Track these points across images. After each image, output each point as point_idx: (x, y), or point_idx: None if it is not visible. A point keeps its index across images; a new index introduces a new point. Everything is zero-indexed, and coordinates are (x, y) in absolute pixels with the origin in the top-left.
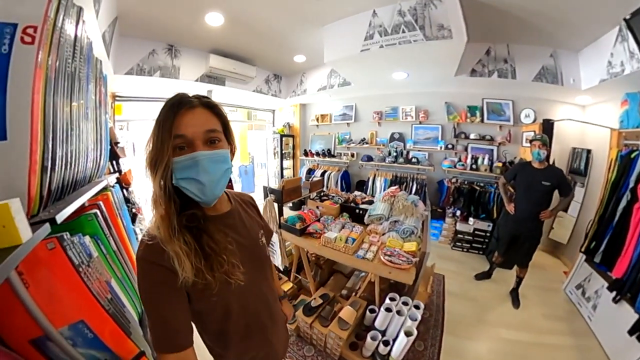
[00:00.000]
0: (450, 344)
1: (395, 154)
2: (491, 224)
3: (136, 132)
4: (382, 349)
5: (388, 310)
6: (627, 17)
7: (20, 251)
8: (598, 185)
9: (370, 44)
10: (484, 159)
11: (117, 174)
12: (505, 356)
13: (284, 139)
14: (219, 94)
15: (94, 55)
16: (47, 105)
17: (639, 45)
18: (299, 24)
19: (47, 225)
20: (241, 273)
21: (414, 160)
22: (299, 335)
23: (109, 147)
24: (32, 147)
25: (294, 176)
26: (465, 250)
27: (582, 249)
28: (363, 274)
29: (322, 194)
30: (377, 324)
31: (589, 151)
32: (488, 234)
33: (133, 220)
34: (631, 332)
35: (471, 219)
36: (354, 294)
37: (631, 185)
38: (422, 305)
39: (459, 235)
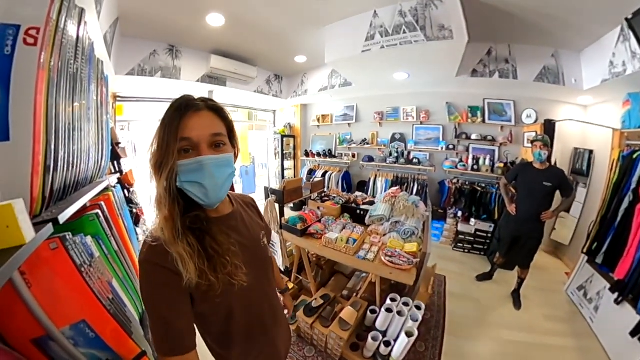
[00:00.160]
0: (452, 345)
1: (396, 154)
2: (492, 225)
3: (137, 132)
4: (383, 350)
5: (389, 310)
6: (629, 16)
7: (23, 251)
8: (600, 186)
9: (371, 44)
10: (485, 159)
11: (118, 175)
12: (506, 357)
13: (285, 139)
14: (220, 95)
15: (96, 56)
16: (49, 106)
17: None
18: (299, 25)
19: (50, 225)
20: (244, 274)
21: (415, 160)
22: (300, 335)
23: (110, 147)
24: (34, 147)
25: (295, 177)
26: (466, 251)
27: (584, 250)
28: (364, 274)
29: (323, 194)
30: (378, 324)
31: (590, 152)
32: (489, 235)
33: (136, 222)
34: (633, 333)
35: (472, 220)
36: (354, 294)
37: (633, 186)
38: (423, 306)
39: (460, 236)
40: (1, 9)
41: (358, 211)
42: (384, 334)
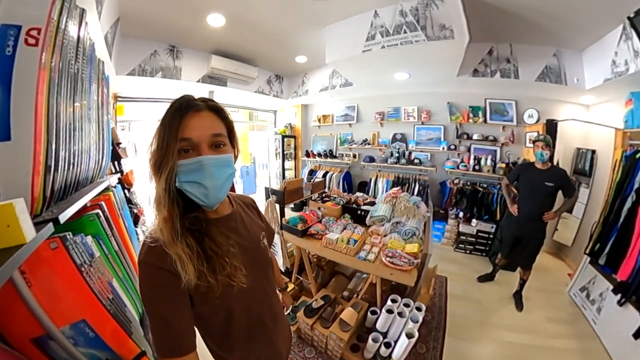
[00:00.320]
0: (453, 347)
1: (397, 154)
2: (494, 226)
3: (138, 132)
4: (384, 351)
5: (389, 312)
6: (631, 15)
7: (24, 250)
8: (603, 186)
9: (372, 44)
10: (486, 159)
11: (119, 175)
12: (508, 359)
13: (285, 139)
14: (220, 95)
15: (97, 56)
16: (50, 106)
17: None
18: (300, 25)
19: (51, 225)
20: (243, 275)
21: (416, 161)
22: (300, 336)
23: (111, 147)
24: (35, 147)
25: (295, 177)
26: (467, 252)
27: (587, 251)
28: (364, 275)
29: (323, 195)
30: (378, 325)
31: (593, 151)
32: (491, 236)
33: (136, 222)
34: (636, 335)
35: (474, 221)
36: (355, 295)
37: (636, 186)
38: (424, 307)
39: (462, 237)
40: (2, 9)
41: (359, 212)
42: (385, 335)
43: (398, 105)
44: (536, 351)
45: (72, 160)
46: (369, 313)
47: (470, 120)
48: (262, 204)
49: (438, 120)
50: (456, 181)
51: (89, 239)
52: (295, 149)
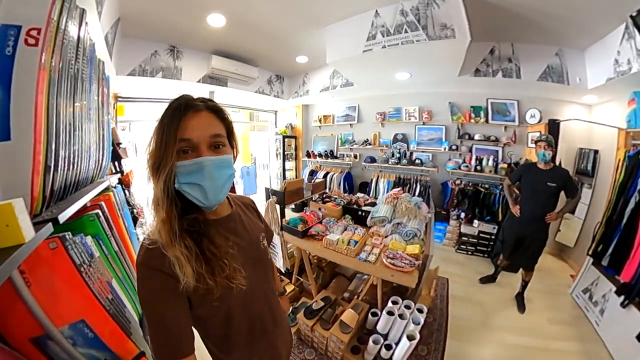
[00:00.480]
0: (454, 349)
1: (398, 155)
2: (496, 227)
3: (138, 132)
4: (384, 353)
5: (390, 313)
6: (633, 14)
7: (23, 250)
8: (605, 186)
9: (373, 44)
10: (488, 160)
11: (119, 175)
12: None
13: (286, 140)
14: (221, 95)
15: (97, 56)
16: (50, 106)
17: None
18: (301, 25)
19: (50, 225)
20: (243, 277)
21: (417, 161)
22: (300, 338)
23: (111, 147)
24: (35, 147)
25: (296, 177)
26: (469, 253)
27: (590, 252)
28: (365, 276)
29: (324, 195)
30: (379, 327)
31: (596, 152)
32: (493, 237)
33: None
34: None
35: (476, 221)
36: (356, 296)
37: (639, 186)
38: (425, 309)
39: (464, 238)
40: (2, 9)
41: (359, 212)
42: (385, 337)
43: (399, 106)
44: (538, 353)
45: (72, 160)
46: (369, 315)
47: (472, 121)
48: (262, 205)
49: (439, 121)
50: (458, 182)
51: (89, 239)
52: (295, 149)
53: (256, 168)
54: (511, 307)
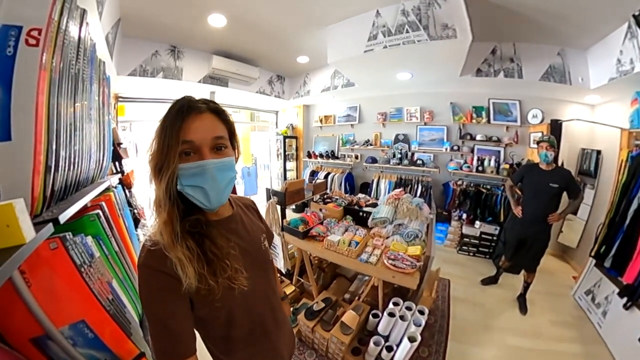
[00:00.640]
0: (455, 351)
1: (399, 155)
2: (498, 228)
3: (139, 133)
4: (385, 355)
5: (391, 315)
6: (636, 13)
7: (23, 250)
8: (608, 187)
9: (374, 44)
10: (490, 160)
11: (119, 175)
12: None
13: (287, 140)
14: (221, 95)
15: (97, 56)
16: (51, 106)
17: None
18: (301, 25)
19: (50, 225)
20: (244, 278)
21: (418, 162)
22: (301, 339)
23: (111, 148)
24: (36, 147)
25: (297, 178)
26: (471, 254)
27: (592, 253)
28: (366, 277)
29: (325, 196)
30: (380, 329)
31: (598, 152)
32: (495, 238)
33: (136, 225)
34: None
35: (477, 222)
36: (356, 298)
37: None
38: (426, 311)
39: (465, 239)
40: (3, 10)
41: (361, 213)
42: (386, 338)
43: (400, 106)
44: (540, 355)
45: (72, 161)
46: (370, 316)
47: (474, 121)
48: (263, 205)
49: (441, 121)
50: (459, 182)
51: (89, 239)
52: (296, 149)
53: (257, 168)
54: (513, 308)
